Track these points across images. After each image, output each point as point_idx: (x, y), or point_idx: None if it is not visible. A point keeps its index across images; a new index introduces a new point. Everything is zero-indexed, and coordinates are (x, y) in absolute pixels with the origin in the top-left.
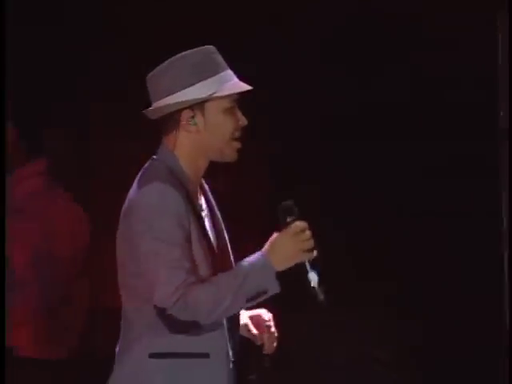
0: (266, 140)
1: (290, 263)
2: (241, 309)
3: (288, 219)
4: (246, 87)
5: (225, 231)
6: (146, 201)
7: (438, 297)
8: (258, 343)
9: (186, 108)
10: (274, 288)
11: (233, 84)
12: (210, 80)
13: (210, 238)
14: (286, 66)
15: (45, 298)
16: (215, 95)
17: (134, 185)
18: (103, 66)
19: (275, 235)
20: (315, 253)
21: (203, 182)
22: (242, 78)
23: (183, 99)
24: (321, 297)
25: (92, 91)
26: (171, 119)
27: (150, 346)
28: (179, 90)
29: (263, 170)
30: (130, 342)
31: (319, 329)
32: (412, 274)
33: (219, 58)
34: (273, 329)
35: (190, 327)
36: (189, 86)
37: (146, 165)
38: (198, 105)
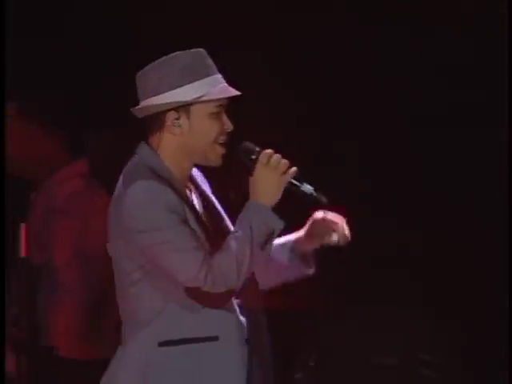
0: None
1: (278, 192)
2: (260, 256)
3: (252, 157)
4: (233, 92)
5: (225, 220)
6: (134, 199)
7: (486, 297)
8: (332, 240)
9: (171, 109)
10: (277, 224)
11: (220, 89)
12: (197, 83)
13: (207, 228)
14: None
15: (86, 298)
16: (201, 99)
17: (119, 187)
18: (140, 66)
19: (251, 178)
20: (294, 169)
21: (194, 175)
22: (231, 82)
23: (169, 100)
24: (323, 199)
25: (131, 92)
26: (157, 119)
27: (159, 335)
28: (166, 91)
29: None
30: (132, 333)
31: (368, 330)
32: (463, 276)
33: (209, 62)
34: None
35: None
36: (176, 88)
37: (127, 165)
38: (184, 107)
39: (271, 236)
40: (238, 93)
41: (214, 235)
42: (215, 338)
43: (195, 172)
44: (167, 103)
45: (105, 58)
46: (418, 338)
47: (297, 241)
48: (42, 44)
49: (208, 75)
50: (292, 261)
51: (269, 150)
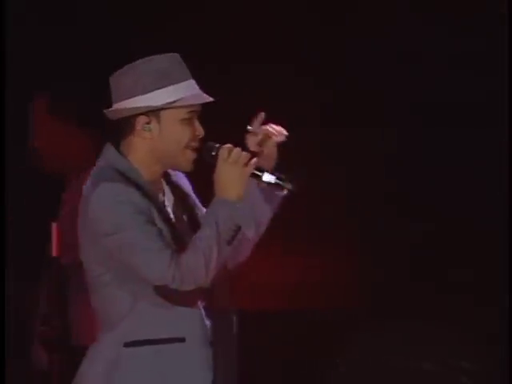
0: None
1: (241, 185)
2: (228, 254)
3: (213, 153)
4: (204, 99)
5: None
6: (98, 202)
7: None
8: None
9: (141, 114)
10: (242, 220)
11: (193, 95)
12: (170, 88)
13: (176, 228)
14: None
15: None
16: (172, 105)
17: (84, 190)
18: None
19: (214, 174)
20: (255, 160)
21: (171, 174)
22: (206, 87)
23: (140, 105)
24: (288, 186)
25: None
26: (127, 123)
27: (125, 335)
28: (138, 95)
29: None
30: (103, 335)
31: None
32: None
33: (183, 67)
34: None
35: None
36: (148, 92)
37: (94, 168)
38: (155, 112)
39: (238, 232)
40: (210, 99)
41: (184, 235)
42: (182, 340)
43: (173, 171)
44: (137, 107)
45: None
46: (458, 348)
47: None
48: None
49: (181, 80)
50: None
51: (228, 145)
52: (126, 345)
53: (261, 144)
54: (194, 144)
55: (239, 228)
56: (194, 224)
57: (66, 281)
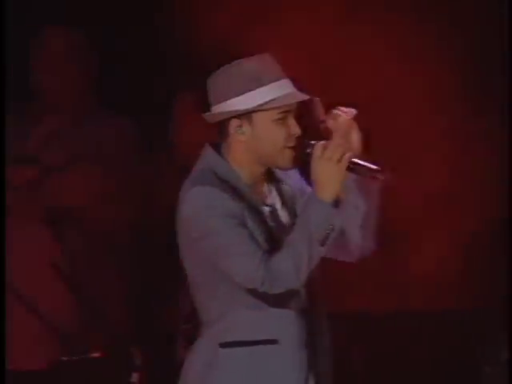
0: None
1: (338, 182)
2: (321, 255)
3: (308, 151)
4: (295, 99)
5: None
6: (190, 207)
7: None
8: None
9: (234, 117)
10: (338, 220)
11: (283, 96)
12: (259, 90)
13: (271, 233)
14: None
15: None
16: (262, 107)
17: (180, 192)
18: None
19: (311, 173)
20: (349, 154)
21: (278, 174)
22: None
23: (231, 109)
24: (380, 176)
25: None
26: (223, 126)
27: (221, 336)
28: (230, 98)
29: None
30: (203, 333)
31: None
32: None
33: (275, 67)
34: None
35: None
36: (239, 95)
37: (192, 172)
38: (246, 115)
39: (331, 232)
40: (303, 98)
41: (283, 237)
42: (274, 342)
43: (282, 171)
44: (228, 111)
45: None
46: None
47: None
48: None
49: (272, 81)
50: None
51: (322, 142)
52: (222, 345)
53: (336, 129)
54: (291, 143)
55: (333, 228)
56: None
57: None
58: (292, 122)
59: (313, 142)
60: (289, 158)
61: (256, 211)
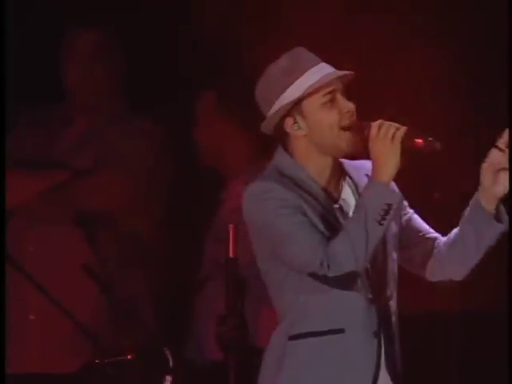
0: None
1: (393, 161)
2: (380, 235)
3: (366, 133)
4: (335, 75)
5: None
6: (247, 201)
7: None
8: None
9: (286, 116)
10: (392, 198)
11: (318, 79)
12: (296, 83)
13: (336, 229)
14: None
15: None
16: (304, 95)
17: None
18: None
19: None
20: (403, 129)
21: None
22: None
23: (275, 110)
24: (437, 146)
25: None
26: (280, 130)
27: (288, 329)
28: (275, 101)
29: None
30: (277, 328)
31: None
32: None
33: (307, 56)
34: None
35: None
36: (280, 95)
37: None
38: (296, 109)
39: (389, 211)
40: (340, 73)
41: None
42: (341, 331)
43: (356, 171)
44: (276, 112)
45: None
46: None
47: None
48: None
49: (306, 70)
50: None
51: (377, 122)
52: (291, 338)
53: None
54: (345, 121)
55: (390, 206)
56: None
57: (244, 281)
58: (341, 100)
59: (367, 123)
60: (349, 140)
61: (321, 206)
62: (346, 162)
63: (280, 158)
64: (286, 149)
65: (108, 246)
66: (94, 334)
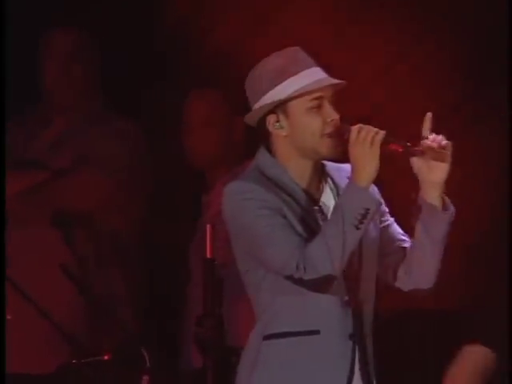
0: None
1: (372, 165)
2: (357, 239)
3: (346, 137)
4: (325, 83)
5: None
6: (226, 202)
7: None
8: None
9: (270, 113)
10: (372, 203)
11: (309, 83)
12: (286, 82)
13: (315, 231)
14: None
15: None
16: (291, 96)
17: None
18: None
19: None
20: (381, 133)
21: (334, 175)
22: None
23: (262, 104)
24: (417, 152)
25: None
26: (262, 126)
27: (263, 329)
28: (262, 96)
29: None
30: (253, 328)
31: None
32: None
33: (304, 57)
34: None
35: (326, 280)
36: (270, 90)
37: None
38: (280, 108)
39: (367, 216)
40: (332, 82)
41: None
42: (316, 332)
43: (341, 169)
44: (261, 107)
45: None
46: None
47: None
48: None
49: (298, 71)
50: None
51: (356, 126)
52: (265, 338)
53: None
54: (328, 130)
55: (367, 210)
56: None
57: (221, 282)
58: (327, 108)
59: (349, 127)
60: (329, 145)
61: (301, 209)
62: (329, 164)
63: (262, 158)
64: (268, 149)
65: (86, 246)
66: (71, 334)
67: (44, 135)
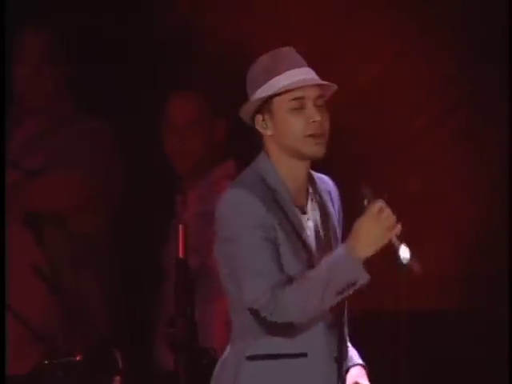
0: None
1: (378, 246)
2: (333, 303)
3: (365, 202)
4: (307, 82)
5: (335, 236)
6: (221, 207)
7: None
8: None
9: (257, 113)
10: (362, 278)
11: (291, 83)
12: (274, 79)
13: (305, 242)
14: None
15: None
16: (273, 94)
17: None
18: None
19: (356, 223)
20: (399, 227)
21: (320, 187)
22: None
23: (248, 104)
24: (416, 268)
25: None
26: (253, 126)
27: (247, 348)
28: (252, 94)
29: None
30: (231, 344)
31: None
32: None
33: (292, 57)
34: None
35: (286, 327)
36: (258, 88)
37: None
38: (265, 108)
39: (351, 287)
40: (315, 82)
41: (310, 256)
42: (304, 355)
43: (326, 184)
44: (246, 106)
45: None
46: None
47: None
48: None
49: (284, 71)
50: None
51: (380, 203)
52: (249, 358)
53: None
54: (309, 131)
55: (355, 283)
56: (326, 245)
57: (193, 283)
58: (310, 109)
59: (372, 195)
60: (312, 147)
61: (292, 221)
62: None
63: (260, 160)
64: (264, 150)
65: (57, 246)
66: (43, 335)
67: (15, 136)
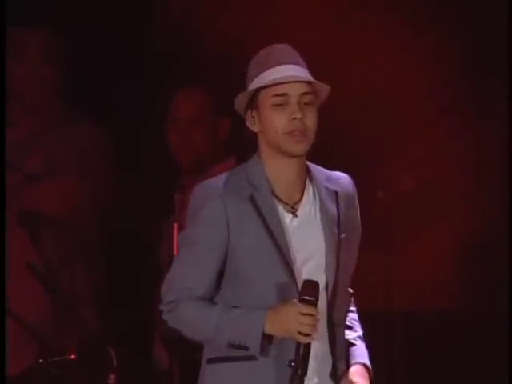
0: None
1: (281, 333)
2: (221, 345)
3: (305, 297)
4: (286, 79)
5: (328, 235)
6: (192, 198)
7: None
8: None
9: (247, 109)
10: (254, 348)
11: (273, 79)
12: (261, 75)
13: (280, 246)
14: None
15: None
16: (255, 89)
17: None
18: None
19: (282, 303)
20: (309, 342)
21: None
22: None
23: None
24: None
25: None
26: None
27: (207, 353)
28: (246, 87)
29: None
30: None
31: None
32: None
33: (283, 54)
34: None
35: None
36: (250, 83)
37: None
38: (254, 103)
39: (242, 348)
40: (295, 79)
41: (287, 262)
42: (253, 358)
43: (327, 183)
44: (236, 101)
45: None
46: None
47: None
48: None
49: (271, 67)
50: None
51: (312, 309)
52: (209, 361)
53: None
54: (289, 128)
55: (246, 348)
56: (312, 244)
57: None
58: (293, 106)
59: (312, 297)
60: (290, 143)
61: (268, 224)
62: (316, 168)
63: (252, 159)
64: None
65: (51, 246)
66: (38, 334)
67: (10, 136)
